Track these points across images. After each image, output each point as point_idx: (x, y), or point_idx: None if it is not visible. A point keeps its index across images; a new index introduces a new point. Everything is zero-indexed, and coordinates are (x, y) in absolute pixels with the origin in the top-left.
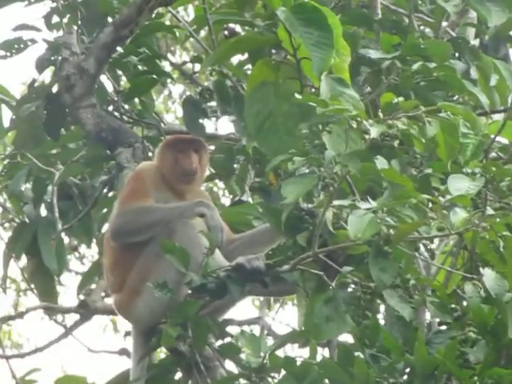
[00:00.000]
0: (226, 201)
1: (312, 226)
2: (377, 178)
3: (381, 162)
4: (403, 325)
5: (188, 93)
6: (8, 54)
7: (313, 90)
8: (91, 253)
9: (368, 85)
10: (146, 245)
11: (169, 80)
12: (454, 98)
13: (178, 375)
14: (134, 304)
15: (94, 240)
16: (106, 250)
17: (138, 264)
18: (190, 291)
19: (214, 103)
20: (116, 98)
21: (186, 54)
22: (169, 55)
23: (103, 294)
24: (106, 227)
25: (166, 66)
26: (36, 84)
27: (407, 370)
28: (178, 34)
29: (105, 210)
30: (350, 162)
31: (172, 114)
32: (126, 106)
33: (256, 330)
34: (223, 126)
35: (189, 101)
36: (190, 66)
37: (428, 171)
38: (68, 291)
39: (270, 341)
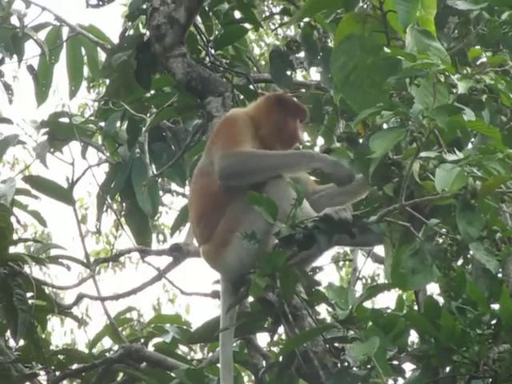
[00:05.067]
0: None
1: (399, 177)
2: (464, 131)
3: (469, 114)
4: (489, 277)
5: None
6: (100, 2)
7: (400, 43)
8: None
9: (456, 35)
10: (233, 196)
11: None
12: None
13: (267, 323)
14: (222, 254)
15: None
16: (192, 202)
17: (226, 215)
18: (278, 242)
19: (301, 54)
20: (206, 48)
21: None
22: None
23: None
24: (193, 177)
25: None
26: (127, 33)
27: (493, 322)
28: None
29: (197, 156)
30: (438, 116)
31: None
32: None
33: None
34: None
35: (276, 52)
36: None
37: None
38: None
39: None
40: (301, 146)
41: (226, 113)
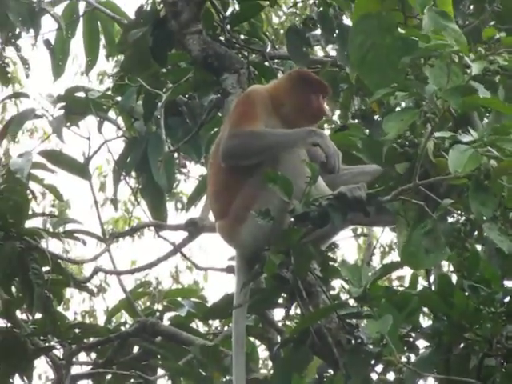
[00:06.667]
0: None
1: (413, 156)
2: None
3: (483, 93)
4: (502, 257)
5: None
6: None
7: (417, 21)
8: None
9: (471, 11)
10: (250, 173)
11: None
12: None
13: (281, 300)
14: (237, 231)
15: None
16: (209, 178)
17: (242, 192)
18: (292, 219)
19: (317, 32)
20: (222, 24)
21: None
22: None
23: None
24: (211, 151)
25: None
26: (144, 9)
27: (506, 300)
28: None
29: (212, 132)
30: (451, 96)
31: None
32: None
33: None
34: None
35: (292, 30)
36: None
37: None
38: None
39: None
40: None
41: (242, 89)
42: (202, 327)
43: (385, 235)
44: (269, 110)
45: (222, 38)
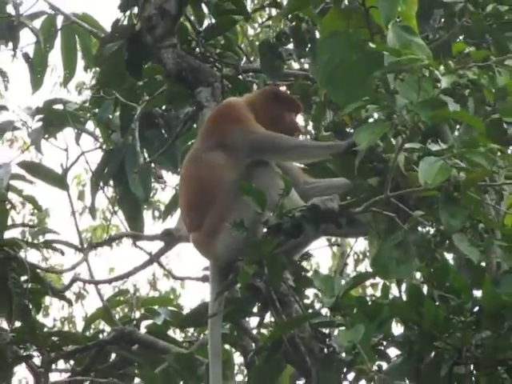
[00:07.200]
0: None
1: (384, 169)
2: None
3: (453, 106)
4: (471, 267)
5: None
6: None
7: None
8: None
9: (442, 25)
10: (223, 185)
11: None
12: None
13: (255, 309)
14: (212, 242)
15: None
16: (181, 189)
17: (216, 204)
18: (266, 230)
19: (290, 46)
20: (197, 38)
21: None
22: None
23: None
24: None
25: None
26: (119, 24)
27: (475, 309)
28: None
29: (188, 144)
30: (422, 110)
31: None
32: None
33: None
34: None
35: (265, 44)
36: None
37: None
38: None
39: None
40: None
41: (215, 102)
42: (179, 334)
43: (358, 243)
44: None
45: (196, 52)
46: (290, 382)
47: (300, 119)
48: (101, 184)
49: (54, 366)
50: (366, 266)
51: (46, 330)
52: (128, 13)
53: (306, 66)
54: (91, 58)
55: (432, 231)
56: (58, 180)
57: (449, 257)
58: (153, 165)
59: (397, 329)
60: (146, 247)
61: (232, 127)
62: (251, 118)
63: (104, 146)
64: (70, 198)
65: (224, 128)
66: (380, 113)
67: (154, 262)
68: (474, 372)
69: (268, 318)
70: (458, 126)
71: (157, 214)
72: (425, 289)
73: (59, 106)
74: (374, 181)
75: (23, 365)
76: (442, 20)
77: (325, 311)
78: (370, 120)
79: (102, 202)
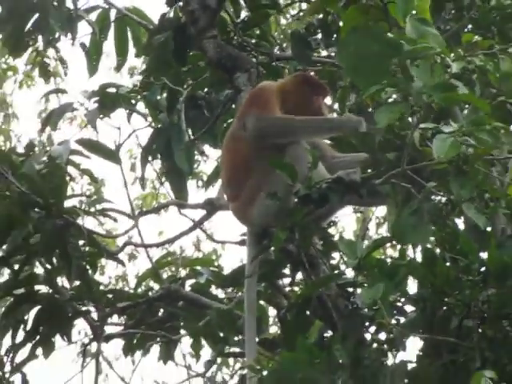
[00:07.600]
0: None
1: (401, 146)
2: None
3: (462, 89)
4: (479, 232)
5: None
6: None
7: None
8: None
9: (451, 19)
10: (259, 160)
11: None
12: None
13: (287, 270)
14: (249, 211)
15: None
16: (223, 164)
17: (252, 176)
18: (296, 200)
19: (318, 36)
20: (235, 30)
21: None
22: None
23: None
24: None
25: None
26: (166, 17)
27: (482, 269)
28: None
29: (227, 123)
30: (435, 92)
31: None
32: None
33: None
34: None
35: (296, 34)
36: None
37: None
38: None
39: None
40: None
41: (251, 87)
42: (220, 292)
43: (379, 209)
44: (277, 103)
45: (234, 42)
46: (318, 335)
47: (327, 101)
48: (150, 158)
49: (108, 320)
50: (386, 230)
51: (101, 288)
52: (174, 7)
53: (333, 54)
54: (141, 47)
55: (444, 200)
56: (112, 155)
57: (459, 222)
58: (196, 142)
59: (412, 287)
60: (190, 215)
61: (249, 111)
62: (271, 105)
63: (153, 125)
64: (123, 171)
65: (243, 113)
66: (397, 95)
67: (197, 228)
68: (481, 325)
69: (298, 277)
70: (466, 106)
71: (200, 183)
72: (437, 251)
73: (113, 90)
74: (392, 155)
75: (82, 319)
76: (453, 12)
77: (349, 272)
78: (389, 101)
79: (151, 174)
